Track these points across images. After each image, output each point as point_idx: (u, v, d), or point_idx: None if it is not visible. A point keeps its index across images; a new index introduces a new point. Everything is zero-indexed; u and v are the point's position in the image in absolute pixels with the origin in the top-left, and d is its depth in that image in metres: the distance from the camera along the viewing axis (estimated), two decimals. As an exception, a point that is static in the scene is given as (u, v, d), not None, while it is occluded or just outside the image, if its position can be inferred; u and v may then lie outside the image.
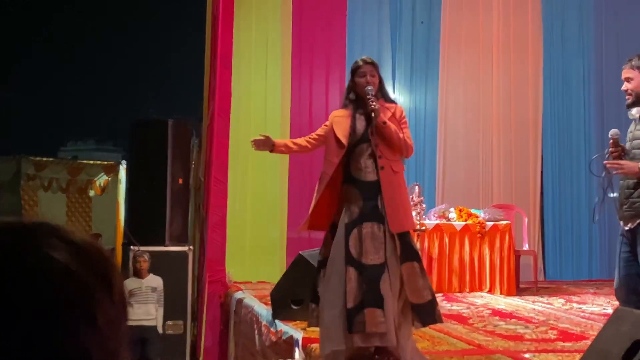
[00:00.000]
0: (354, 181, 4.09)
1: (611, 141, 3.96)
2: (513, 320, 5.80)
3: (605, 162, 3.82)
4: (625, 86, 3.95)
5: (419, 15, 9.17)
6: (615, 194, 4.05)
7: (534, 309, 6.47)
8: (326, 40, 8.67)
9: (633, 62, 3.95)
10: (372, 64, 4.21)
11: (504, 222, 7.69)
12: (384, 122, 3.99)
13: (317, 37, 8.63)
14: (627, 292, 3.94)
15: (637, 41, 9.41)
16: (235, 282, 7.69)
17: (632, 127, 3.98)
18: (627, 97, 3.98)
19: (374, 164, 4.03)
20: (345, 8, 8.74)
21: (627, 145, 3.96)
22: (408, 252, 4.01)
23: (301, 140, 4.44)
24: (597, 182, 4.08)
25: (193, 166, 8.15)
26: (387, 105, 4.16)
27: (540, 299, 7.18)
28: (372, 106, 3.97)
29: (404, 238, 4.03)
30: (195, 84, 8.32)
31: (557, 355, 4.34)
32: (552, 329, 5.34)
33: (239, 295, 6.97)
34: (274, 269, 7.37)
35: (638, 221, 3.85)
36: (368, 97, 4.02)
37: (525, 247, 8.29)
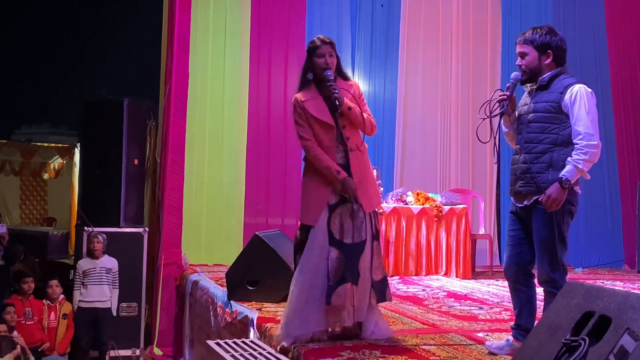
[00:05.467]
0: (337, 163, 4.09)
1: (508, 85, 3.83)
2: (468, 301, 5.84)
3: (541, 199, 3.61)
4: (520, 62, 3.82)
5: (379, -3, 9.17)
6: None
7: (488, 292, 6.54)
8: (285, 22, 8.60)
9: (527, 36, 3.81)
10: (330, 43, 4.13)
11: (461, 206, 7.74)
12: (349, 108, 3.98)
13: (277, 18, 8.55)
14: (517, 271, 3.83)
15: (593, 28, 9.54)
16: (191, 265, 7.62)
17: (525, 99, 3.92)
18: (521, 73, 3.85)
19: (342, 146, 4.04)
20: (305, -12, 8.69)
21: (520, 113, 3.84)
22: (375, 231, 4.10)
23: (322, 152, 4.08)
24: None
25: (149, 147, 8.04)
26: (346, 85, 4.12)
27: (495, 282, 7.26)
28: (335, 94, 3.95)
29: (374, 217, 4.11)
30: (152, 63, 8.18)
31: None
32: (505, 310, 5.38)
33: (194, 277, 6.91)
34: (231, 253, 7.31)
35: (534, 198, 3.70)
36: (329, 83, 4.00)
37: (481, 231, 8.36)
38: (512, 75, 3.89)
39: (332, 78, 4.01)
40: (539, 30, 3.83)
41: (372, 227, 4.08)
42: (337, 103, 3.95)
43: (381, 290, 4.06)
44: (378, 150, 9.19)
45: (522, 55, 3.82)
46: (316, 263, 3.97)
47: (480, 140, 3.93)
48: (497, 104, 3.86)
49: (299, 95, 4.10)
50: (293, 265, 5.49)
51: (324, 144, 4.03)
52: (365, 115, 4.04)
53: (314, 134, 4.04)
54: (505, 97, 3.83)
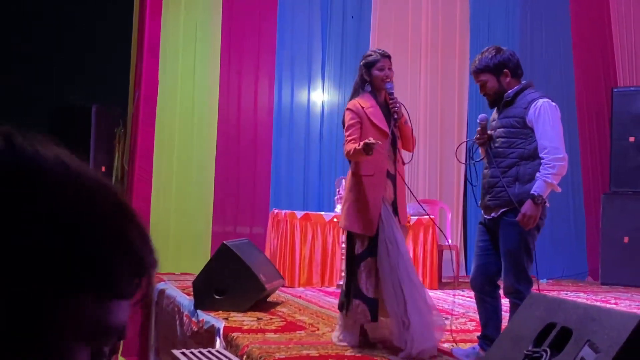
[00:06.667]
0: (388, 174, 4.18)
1: (479, 128, 3.93)
2: (434, 312, 5.87)
3: (517, 218, 3.68)
4: (483, 90, 3.92)
5: (350, 9, 9.20)
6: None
7: (454, 302, 6.58)
8: (256, 31, 8.61)
9: (477, 65, 3.89)
10: (389, 57, 4.24)
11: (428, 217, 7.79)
12: (406, 122, 4.14)
13: (247, 27, 8.55)
14: (483, 282, 3.91)
15: (561, 45, 9.68)
16: (157, 273, 7.56)
17: (494, 115, 3.99)
18: (487, 98, 3.95)
19: (394, 156, 4.17)
20: (276, -1, 8.72)
21: (493, 134, 3.91)
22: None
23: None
24: (466, 168, 4.07)
25: (117, 155, 7.99)
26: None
27: (461, 293, 7.31)
28: (396, 108, 4.08)
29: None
30: (121, 69, 8.14)
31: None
32: (471, 320, 5.43)
33: (161, 286, 6.87)
34: (198, 261, 7.27)
35: (502, 210, 3.78)
36: (391, 96, 4.13)
37: (448, 242, 8.42)
38: (480, 117, 3.96)
39: (393, 91, 4.15)
40: (486, 53, 3.90)
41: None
42: (396, 116, 4.08)
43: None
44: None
45: (483, 84, 3.90)
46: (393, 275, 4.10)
47: (459, 161, 4.08)
48: (478, 147, 3.95)
49: (358, 102, 4.18)
50: (261, 275, 5.52)
51: (376, 150, 4.08)
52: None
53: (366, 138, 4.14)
54: (484, 139, 3.89)
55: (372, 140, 3.87)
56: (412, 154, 4.29)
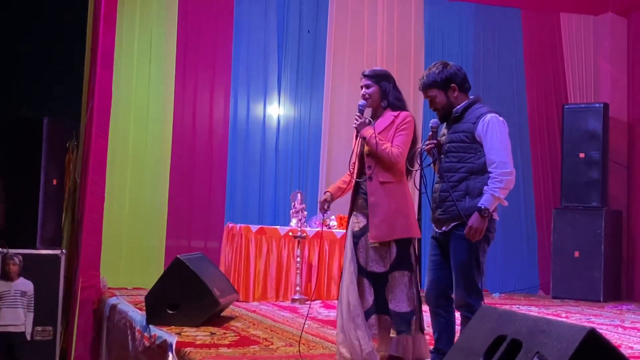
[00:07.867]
0: (362, 191, 4.26)
1: (430, 133, 3.97)
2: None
3: (465, 231, 3.73)
4: (433, 105, 3.98)
5: (306, 23, 9.22)
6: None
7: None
8: (212, 45, 8.59)
9: (425, 81, 3.96)
10: (368, 75, 4.38)
11: (383, 231, 7.82)
12: (364, 138, 4.19)
13: (203, 41, 8.53)
14: (437, 296, 3.94)
15: (513, 62, 9.85)
16: (109, 288, 7.47)
17: (443, 130, 4.05)
18: (437, 113, 4.00)
19: (365, 175, 4.25)
20: (232, 12, 8.70)
21: (443, 148, 3.95)
22: (401, 261, 4.17)
23: (345, 177, 4.50)
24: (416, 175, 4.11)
25: (70, 167, 7.86)
26: (387, 116, 4.29)
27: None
28: (354, 124, 4.24)
29: (402, 247, 4.18)
30: (74, 81, 8.03)
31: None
32: (425, 334, 5.45)
33: (112, 301, 6.77)
34: (151, 276, 7.18)
35: (453, 224, 3.82)
36: (358, 114, 4.27)
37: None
38: (432, 122, 4.01)
39: (361, 109, 4.27)
40: (433, 69, 3.97)
41: (396, 257, 4.16)
42: (356, 132, 4.25)
43: (403, 322, 4.17)
44: (303, 174, 9.22)
45: (432, 99, 3.96)
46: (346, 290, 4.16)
47: (409, 168, 4.12)
48: (427, 154, 3.99)
49: None
50: (215, 289, 5.47)
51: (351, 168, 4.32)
52: (384, 145, 4.14)
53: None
54: (432, 145, 3.94)
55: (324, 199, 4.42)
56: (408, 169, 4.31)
